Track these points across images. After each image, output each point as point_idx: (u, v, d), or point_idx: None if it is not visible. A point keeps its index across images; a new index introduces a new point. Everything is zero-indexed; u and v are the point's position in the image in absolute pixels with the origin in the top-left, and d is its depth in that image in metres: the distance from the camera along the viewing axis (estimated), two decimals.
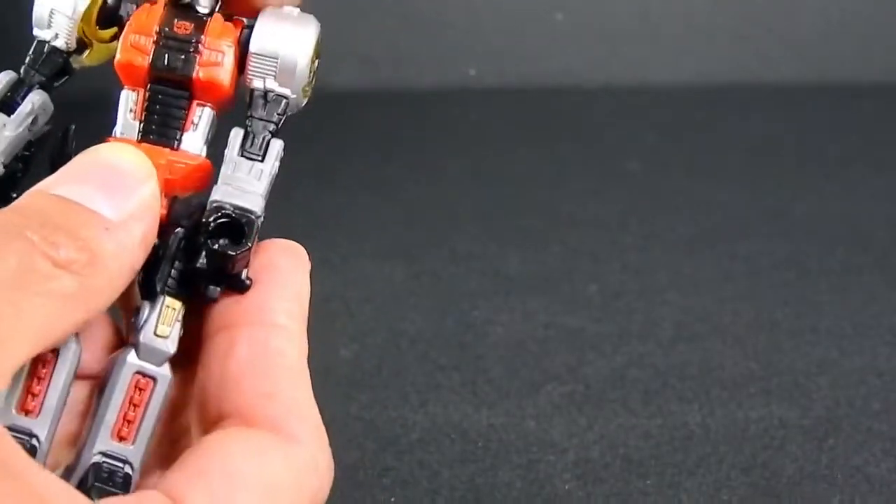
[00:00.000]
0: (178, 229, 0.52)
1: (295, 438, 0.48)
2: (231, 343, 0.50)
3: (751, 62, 1.82)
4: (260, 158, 0.55)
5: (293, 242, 0.54)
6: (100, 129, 0.55)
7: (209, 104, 0.56)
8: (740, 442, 0.93)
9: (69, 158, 0.52)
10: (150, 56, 0.56)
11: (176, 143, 0.56)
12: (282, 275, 0.52)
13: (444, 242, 1.31)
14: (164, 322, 0.52)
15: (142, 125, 0.56)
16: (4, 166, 0.56)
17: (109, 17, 0.58)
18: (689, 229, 1.34)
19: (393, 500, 0.87)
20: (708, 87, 1.79)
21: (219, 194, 0.53)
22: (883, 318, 1.13)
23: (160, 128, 0.56)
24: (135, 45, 0.56)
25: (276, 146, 0.56)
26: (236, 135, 0.55)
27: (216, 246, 0.51)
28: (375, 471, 0.91)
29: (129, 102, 0.57)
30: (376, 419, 0.97)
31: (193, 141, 0.56)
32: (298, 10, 0.58)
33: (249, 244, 0.52)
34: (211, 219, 0.52)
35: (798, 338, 1.10)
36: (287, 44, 0.57)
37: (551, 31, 1.82)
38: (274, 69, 0.57)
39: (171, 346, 0.52)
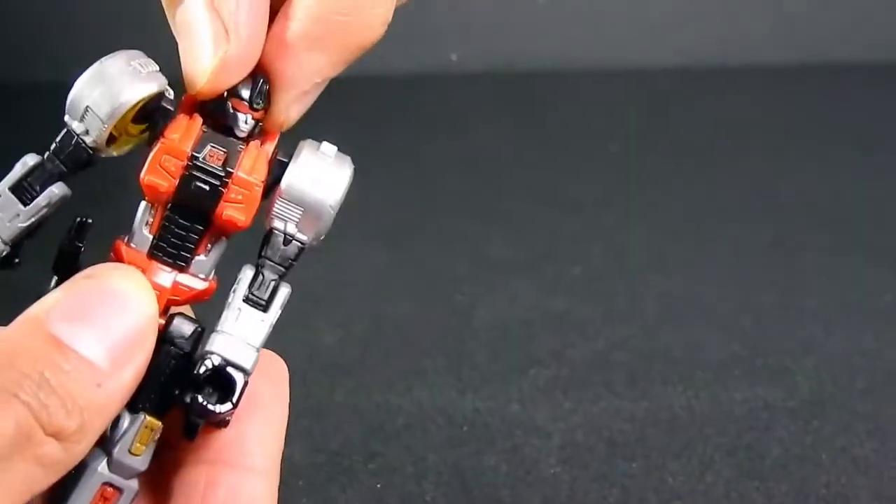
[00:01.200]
0: (172, 348, 0.52)
1: None
2: (210, 484, 0.51)
3: (734, 44, 1.82)
4: (264, 306, 0.55)
5: (273, 357, 0.55)
6: (115, 213, 0.56)
7: (224, 237, 0.56)
8: (725, 424, 0.93)
9: (78, 251, 0.53)
10: (176, 181, 0.55)
11: (185, 266, 0.56)
12: (263, 410, 0.53)
13: (428, 226, 1.31)
14: (140, 441, 0.52)
15: (155, 241, 0.55)
16: (12, 246, 0.56)
17: (144, 116, 0.57)
18: (672, 211, 1.34)
19: (379, 485, 0.87)
20: (691, 69, 1.79)
21: (216, 345, 0.52)
22: (867, 299, 1.13)
23: (173, 248, 0.56)
24: (164, 168, 0.55)
25: (283, 294, 0.56)
26: (245, 277, 0.55)
27: (201, 399, 0.51)
28: (361, 456, 0.90)
29: (146, 216, 0.56)
30: (361, 405, 0.97)
31: (203, 265, 0.56)
32: (336, 149, 0.58)
33: (233, 404, 0.51)
34: (201, 370, 0.51)
35: (782, 319, 1.10)
36: (317, 195, 0.57)
37: (533, 16, 1.81)
38: (298, 216, 0.57)
39: (142, 465, 0.52)
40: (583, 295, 1.15)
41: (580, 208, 1.35)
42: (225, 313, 0.53)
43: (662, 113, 1.65)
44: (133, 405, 0.52)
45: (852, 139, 1.54)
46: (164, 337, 0.53)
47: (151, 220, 0.56)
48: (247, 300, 0.54)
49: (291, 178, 0.56)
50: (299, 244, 0.56)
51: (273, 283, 0.55)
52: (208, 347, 0.52)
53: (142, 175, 0.55)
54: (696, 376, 1.00)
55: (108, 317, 0.47)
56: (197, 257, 0.56)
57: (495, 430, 0.93)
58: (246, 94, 0.56)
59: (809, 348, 1.05)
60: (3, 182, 0.56)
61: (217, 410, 0.51)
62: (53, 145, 0.56)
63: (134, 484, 0.52)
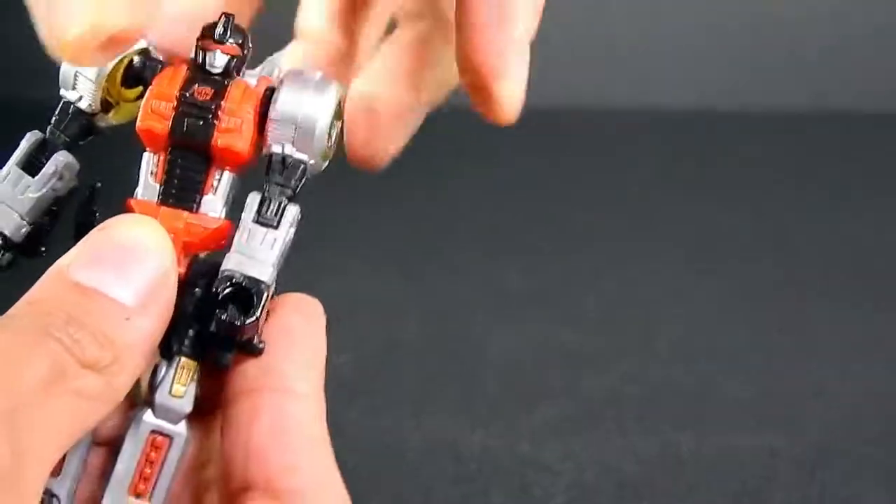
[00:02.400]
0: (196, 289, 0.53)
1: None
2: (253, 412, 0.51)
3: (752, 88, 1.82)
4: (275, 225, 0.56)
5: (307, 298, 0.55)
6: (126, 184, 0.55)
7: (229, 168, 0.57)
8: (731, 469, 0.93)
9: (94, 217, 0.54)
10: (170, 122, 0.56)
11: (195, 206, 0.56)
12: (300, 340, 0.53)
13: (443, 255, 1.31)
14: (179, 382, 0.53)
15: (162, 188, 0.56)
16: (31, 224, 0.56)
17: (135, 78, 0.58)
18: (687, 250, 1.34)
19: None
20: (708, 112, 1.79)
21: (230, 263, 0.54)
22: (879, 344, 1.13)
23: (180, 191, 0.57)
24: (155, 111, 0.57)
25: (292, 212, 0.56)
26: (253, 200, 0.55)
27: (224, 316, 0.52)
28: (368, 485, 0.91)
29: (150, 165, 0.57)
30: (370, 432, 0.98)
31: (213, 203, 0.57)
32: (320, 73, 0.59)
33: (257, 315, 0.52)
34: (220, 288, 0.53)
35: (793, 362, 1.10)
36: (306, 109, 0.57)
37: (553, 52, 1.81)
38: (292, 135, 0.57)
39: (186, 406, 0.53)
40: (596, 329, 1.15)
41: (596, 243, 1.35)
42: (236, 237, 0.54)
43: (681, 153, 1.66)
44: (167, 352, 0.53)
45: (867, 185, 1.54)
46: (188, 281, 0.54)
47: (156, 168, 0.57)
48: (256, 222, 0.55)
49: (280, 99, 0.57)
50: (301, 163, 0.57)
51: (281, 203, 0.56)
52: (224, 266, 0.53)
53: (137, 123, 0.56)
54: (705, 418, 1.00)
55: (126, 261, 0.48)
56: (205, 197, 0.57)
57: (503, 468, 0.93)
58: (211, 30, 0.57)
59: (819, 392, 1.05)
60: (10, 160, 0.57)
61: (242, 322, 0.51)
62: (53, 118, 0.58)
63: (182, 429, 0.53)
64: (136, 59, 0.57)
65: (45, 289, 0.48)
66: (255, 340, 0.53)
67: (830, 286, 1.25)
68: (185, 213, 0.56)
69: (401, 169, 1.58)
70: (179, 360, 0.53)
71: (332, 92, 0.58)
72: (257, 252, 0.54)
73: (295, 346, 0.53)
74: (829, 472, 0.93)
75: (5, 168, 0.58)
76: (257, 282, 0.53)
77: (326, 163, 0.58)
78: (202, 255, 0.56)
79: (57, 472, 0.53)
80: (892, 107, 1.79)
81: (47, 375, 0.44)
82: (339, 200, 1.40)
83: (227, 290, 0.52)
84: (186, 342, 0.53)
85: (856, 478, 0.93)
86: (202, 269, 0.55)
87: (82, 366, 0.45)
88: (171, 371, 0.53)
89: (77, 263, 0.48)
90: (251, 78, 0.58)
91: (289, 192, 0.56)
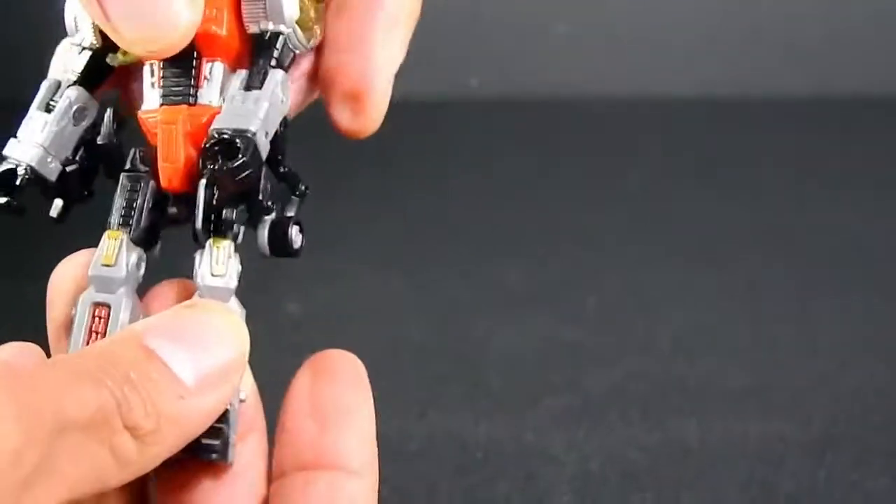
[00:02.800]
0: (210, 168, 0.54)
1: None
2: (306, 488, 0.52)
3: (752, 76, 1.82)
4: (258, 86, 0.57)
5: (350, 358, 0.58)
6: None
7: (219, 59, 0.58)
8: (738, 457, 0.93)
9: (115, 141, 0.57)
10: None
11: (193, 99, 0.57)
12: (350, 415, 0.55)
13: (445, 254, 1.31)
14: (217, 262, 0.54)
15: (161, 92, 0.58)
16: (70, 161, 0.58)
17: None
18: (689, 243, 1.34)
19: None
20: (709, 101, 1.79)
21: (217, 123, 0.55)
22: (882, 334, 1.13)
23: (176, 89, 0.58)
24: None
25: (276, 75, 0.58)
26: (239, 76, 0.57)
27: (214, 167, 0.53)
28: None
29: (148, 77, 0.58)
30: (375, 429, 0.97)
31: (209, 94, 0.58)
32: None
33: (244, 158, 0.53)
34: (207, 144, 0.54)
35: (797, 353, 1.10)
36: None
37: (553, 43, 1.82)
38: (263, 9, 0.58)
39: (231, 282, 0.53)
40: (598, 325, 1.15)
41: (597, 238, 1.35)
42: (224, 105, 0.56)
43: (682, 144, 1.66)
44: (197, 238, 0.55)
45: (870, 174, 1.54)
46: (198, 169, 0.55)
47: (153, 77, 0.58)
48: (241, 90, 0.57)
49: None
50: (278, 34, 0.58)
51: (263, 71, 0.57)
52: (212, 127, 0.55)
53: None
54: (710, 409, 1.00)
55: (202, 343, 0.48)
56: (200, 90, 0.58)
57: (509, 459, 0.93)
58: None
59: (823, 382, 1.05)
60: (32, 106, 0.59)
61: (228, 167, 0.53)
62: (64, 65, 0.60)
63: (236, 305, 0.54)
64: None
65: (116, 342, 0.48)
66: (263, 200, 0.56)
67: (832, 277, 1.25)
68: (185, 107, 0.57)
69: (401, 169, 1.59)
70: (210, 241, 0.54)
71: None
72: (241, 109, 0.56)
73: (347, 423, 0.54)
74: (836, 459, 0.93)
75: (28, 114, 0.59)
76: (241, 131, 0.54)
77: (313, 42, 0.60)
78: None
79: None
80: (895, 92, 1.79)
81: (91, 417, 0.44)
82: (341, 202, 1.40)
83: (212, 142, 0.54)
84: (214, 223, 0.55)
85: (863, 464, 0.92)
86: (214, 140, 0.55)
87: (123, 425, 0.45)
88: (207, 253, 0.54)
89: (154, 330, 0.48)
90: None
91: (272, 60, 0.58)
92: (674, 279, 1.25)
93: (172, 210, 0.57)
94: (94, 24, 0.58)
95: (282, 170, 0.59)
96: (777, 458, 0.93)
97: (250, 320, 0.53)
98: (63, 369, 0.45)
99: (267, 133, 0.56)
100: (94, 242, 0.55)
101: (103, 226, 0.56)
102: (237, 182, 0.53)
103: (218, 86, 0.58)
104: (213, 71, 0.59)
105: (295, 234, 0.57)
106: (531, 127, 1.72)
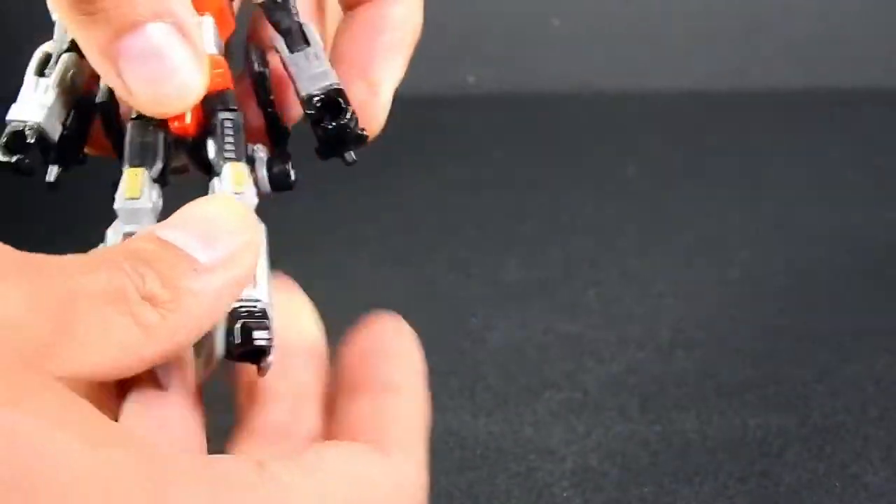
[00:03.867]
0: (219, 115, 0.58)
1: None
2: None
3: (750, 68, 1.82)
4: (308, 43, 0.62)
5: (396, 324, 0.61)
6: None
7: (207, 13, 0.60)
8: (738, 450, 0.93)
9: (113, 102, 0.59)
10: None
11: None
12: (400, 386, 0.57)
13: (443, 248, 1.31)
14: (237, 182, 0.57)
15: None
16: (65, 126, 0.60)
17: None
18: (687, 236, 1.34)
19: None
20: (707, 93, 1.79)
21: (303, 90, 0.60)
22: (881, 326, 1.13)
23: None
24: None
25: (311, 26, 0.63)
26: (276, 39, 0.62)
27: (332, 124, 0.60)
28: None
29: None
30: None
31: (206, 46, 0.59)
32: None
33: (350, 108, 0.60)
34: (311, 105, 0.60)
35: (796, 345, 1.10)
36: None
37: (549, 37, 1.82)
38: None
39: (252, 198, 0.56)
40: (597, 319, 1.15)
41: (595, 231, 1.35)
42: (293, 73, 0.61)
43: (679, 137, 1.65)
44: (210, 168, 0.58)
45: (868, 166, 1.54)
46: (204, 112, 0.59)
47: None
48: (293, 53, 0.62)
49: None
50: None
51: (297, 27, 0.63)
52: (302, 94, 0.60)
53: None
54: (709, 401, 1.00)
55: (208, 228, 0.50)
56: None
57: (508, 454, 0.93)
58: None
59: (823, 374, 1.05)
60: (27, 73, 0.61)
61: (347, 120, 0.60)
62: (55, 34, 0.62)
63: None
64: None
65: (131, 240, 0.50)
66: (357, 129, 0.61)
67: (831, 269, 1.25)
68: None
69: (399, 164, 1.59)
70: (227, 166, 0.57)
71: None
72: (313, 70, 0.61)
73: (397, 393, 0.56)
74: (835, 451, 0.93)
75: (25, 81, 0.61)
76: (335, 89, 0.60)
77: None
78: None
79: None
80: (894, 84, 1.79)
81: (105, 289, 0.45)
82: (338, 197, 1.40)
83: (319, 102, 0.60)
84: (227, 150, 0.58)
85: (862, 457, 0.92)
86: (216, 101, 0.59)
87: (140, 296, 0.46)
88: (226, 177, 0.57)
89: (167, 225, 0.50)
90: None
91: (295, 15, 0.63)
92: (673, 272, 1.25)
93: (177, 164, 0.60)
94: None
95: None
96: (776, 450, 0.93)
97: None
98: (75, 257, 0.46)
99: None
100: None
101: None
102: (354, 133, 0.61)
103: (212, 38, 0.60)
104: (204, 25, 0.60)
105: (291, 167, 0.61)
106: (528, 121, 1.72)
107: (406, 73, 0.70)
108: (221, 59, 0.60)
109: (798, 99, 1.77)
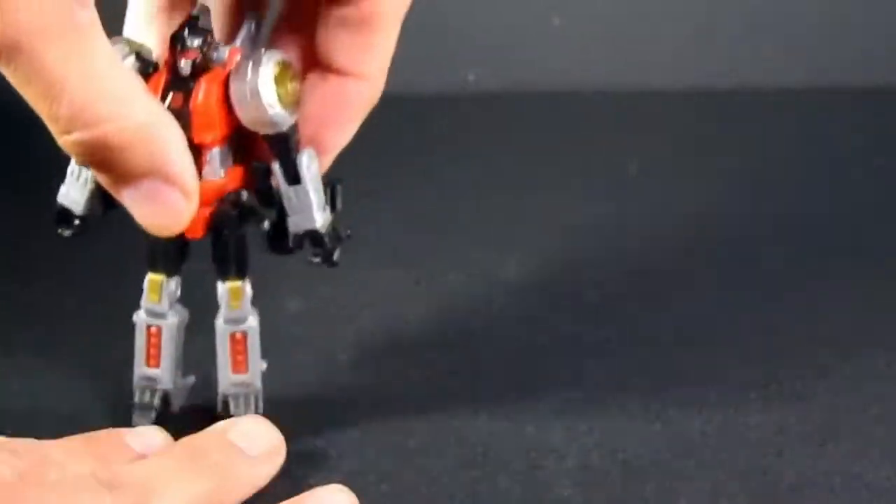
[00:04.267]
0: (225, 231, 0.82)
1: None
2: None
3: (751, 66, 1.82)
4: (299, 181, 0.80)
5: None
6: None
7: (217, 146, 0.79)
8: (739, 448, 0.93)
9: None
10: None
11: (199, 175, 0.76)
12: None
13: (443, 247, 1.31)
14: (233, 298, 0.89)
15: None
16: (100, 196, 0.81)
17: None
18: (688, 234, 1.34)
19: None
20: (708, 91, 1.80)
21: (292, 226, 0.82)
22: (883, 324, 1.13)
23: None
24: None
25: (303, 158, 0.80)
26: (276, 169, 0.80)
27: (317, 257, 0.87)
28: (374, 477, 0.90)
29: None
30: (375, 426, 0.97)
31: (212, 171, 0.78)
32: (269, 54, 0.78)
33: (328, 247, 0.86)
34: (294, 244, 0.84)
35: (797, 343, 1.10)
36: (251, 90, 0.77)
37: (549, 36, 1.82)
38: (263, 122, 0.78)
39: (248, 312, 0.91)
40: (599, 318, 1.15)
41: (598, 231, 1.35)
42: (284, 202, 0.81)
43: (680, 135, 1.66)
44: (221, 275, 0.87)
45: (869, 164, 1.54)
46: (213, 221, 0.81)
47: None
48: (289, 185, 0.80)
49: (230, 90, 0.77)
50: (280, 131, 0.78)
51: (292, 163, 0.79)
52: (291, 231, 0.83)
53: None
54: (710, 400, 1.00)
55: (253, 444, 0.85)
56: (204, 169, 0.78)
57: (510, 452, 0.93)
58: (180, 41, 0.76)
59: (824, 372, 1.05)
60: (71, 162, 0.82)
61: (324, 255, 0.88)
62: None
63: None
64: (133, 62, 0.77)
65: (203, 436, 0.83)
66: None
67: (832, 267, 1.25)
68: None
69: (400, 163, 1.59)
70: (228, 284, 0.87)
71: (268, 65, 0.77)
72: (302, 209, 0.81)
73: None
74: (837, 450, 0.93)
75: (69, 168, 0.81)
76: (310, 231, 0.84)
77: (294, 111, 0.79)
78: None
79: (156, 362, 0.88)
80: (894, 82, 1.80)
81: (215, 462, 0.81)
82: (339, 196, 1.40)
83: (300, 241, 0.84)
84: (234, 266, 0.85)
85: (864, 455, 0.92)
86: (222, 215, 0.81)
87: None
88: (224, 292, 0.87)
89: (230, 427, 0.83)
90: (224, 50, 0.78)
91: (291, 152, 0.79)
92: (674, 270, 1.25)
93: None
94: None
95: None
96: (778, 449, 0.93)
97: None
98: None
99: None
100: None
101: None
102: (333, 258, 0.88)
103: (217, 163, 0.78)
104: (213, 155, 0.78)
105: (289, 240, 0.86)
106: (529, 120, 1.72)
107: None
108: (223, 180, 0.79)
109: (799, 97, 1.77)
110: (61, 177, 0.83)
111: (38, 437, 0.96)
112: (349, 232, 0.89)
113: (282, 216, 0.83)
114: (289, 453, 0.93)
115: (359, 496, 0.88)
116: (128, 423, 0.92)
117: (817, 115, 1.71)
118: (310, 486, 0.89)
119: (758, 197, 1.44)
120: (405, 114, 1.72)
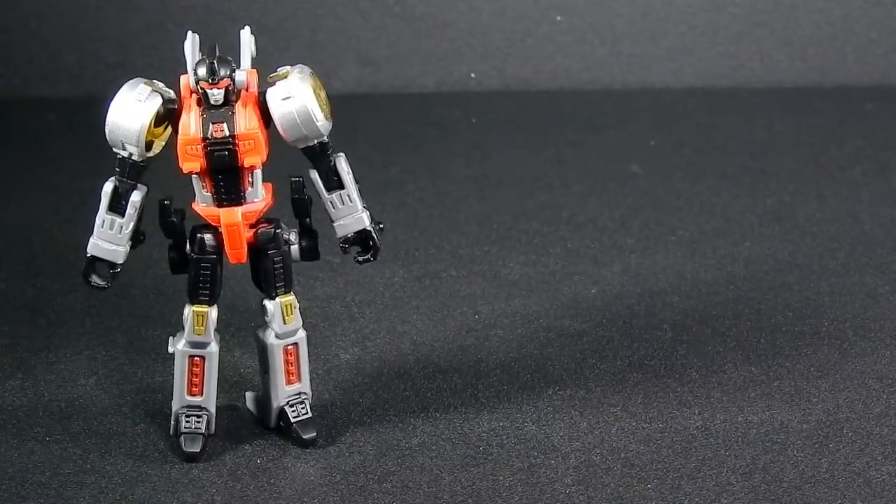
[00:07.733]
0: (274, 250, 0.90)
1: None
2: None
3: (752, 64, 1.82)
4: (341, 185, 0.88)
5: None
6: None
7: (258, 168, 0.85)
8: (741, 446, 0.93)
9: (173, 224, 0.88)
10: (204, 159, 0.84)
11: (242, 200, 0.86)
12: None
13: (446, 245, 1.31)
14: (286, 313, 0.91)
15: (213, 195, 0.86)
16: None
17: (161, 119, 0.85)
18: (690, 232, 1.34)
19: None
20: (709, 90, 1.79)
21: (340, 231, 0.90)
22: (883, 322, 1.13)
23: (228, 195, 0.86)
24: (190, 154, 0.84)
25: (341, 163, 0.88)
26: (315, 178, 0.88)
27: (360, 258, 0.92)
28: (377, 475, 0.91)
29: (199, 182, 0.86)
30: (377, 423, 0.97)
31: (254, 193, 0.86)
32: (297, 69, 0.86)
33: (378, 246, 0.91)
34: (344, 246, 0.92)
35: (799, 341, 1.10)
36: (297, 109, 0.85)
37: (551, 34, 1.82)
38: (304, 136, 0.86)
39: (297, 325, 0.94)
40: (600, 315, 1.15)
41: (598, 228, 1.35)
42: (329, 210, 0.89)
43: (682, 133, 1.65)
44: (269, 294, 0.91)
45: (869, 161, 1.54)
46: (256, 246, 0.88)
47: (203, 183, 0.86)
48: (329, 192, 0.88)
49: (274, 112, 0.84)
50: (321, 140, 0.86)
51: (328, 167, 0.87)
52: (338, 235, 0.90)
53: (180, 164, 0.84)
54: (712, 397, 1.00)
55: None
56: (247, 192, 0.85)
57: (511, 450, 0.93)
58: (204, 73, 0.82)
59: (825, 370, 1.05)
60: (100, 212, 0.87)
61: (374, 256, 0.92)
62: (116, 171, 0.86)
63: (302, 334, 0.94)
64: (161, 108, 0.85)
65: None
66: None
67: (833, 264, 1.25)
68: (237, 208, 0.86)
69: (402, 161, 1.59)
70: (279, 302, 0.90)
71: (305, 81, 0.85)
72: (346, 211, 0.89)
73: None
74: (838, 447, 0.93)
75: (98, 218, 0.87)
76: (363, 231, 0.90)
77: (329, 119, 0.86)
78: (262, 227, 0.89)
79: (199, 390, 0.91)
80: (893, 81, 1.79)
81: None
82: None
83: (350, 243, 0.91)
84: (283, 282, 0.90)
85: (865, 453, 0.92)
86: (266, 237, 0.88)
87: None
88: (277, 311, 0.91)
89: None
90: (241, 74, 0.83)
91: (330, 160, 0.87)
92: (675, 267, 1.25)
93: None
94: (138, 144, 0.85)
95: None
96: (779, 446, 0.93)
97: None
98: None
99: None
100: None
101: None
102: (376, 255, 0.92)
103: (259, 185, 0.86)
104: (255, 177, 0.86)
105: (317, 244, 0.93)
106: (531, 118, 1.72)
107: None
108: (268, 200, 0.88)
109: (799, 95, 1.77)
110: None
111: (39, 431, 0.96)
112: (382, 224, 0.92)
113: (304, 226, 0.90)
114: (290, 452, 0.93)
115: (360, 495, 0.88)
116: (141, 442, 0.95)
117: (818, 113, 1.71)
118: (312, 485, 0.90)
119: (759, 193, 1.44)
120: (407, 111, 1.72)
